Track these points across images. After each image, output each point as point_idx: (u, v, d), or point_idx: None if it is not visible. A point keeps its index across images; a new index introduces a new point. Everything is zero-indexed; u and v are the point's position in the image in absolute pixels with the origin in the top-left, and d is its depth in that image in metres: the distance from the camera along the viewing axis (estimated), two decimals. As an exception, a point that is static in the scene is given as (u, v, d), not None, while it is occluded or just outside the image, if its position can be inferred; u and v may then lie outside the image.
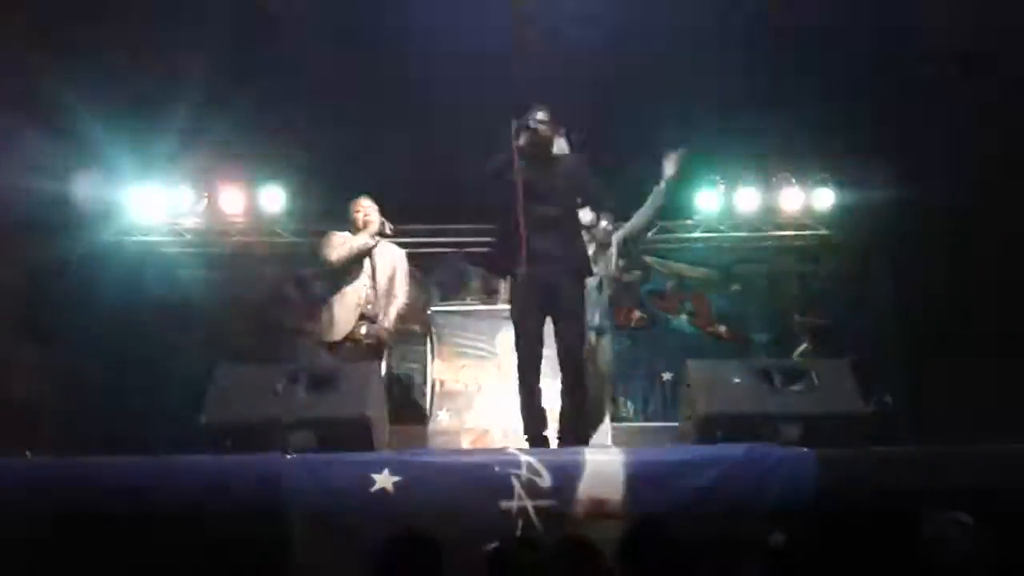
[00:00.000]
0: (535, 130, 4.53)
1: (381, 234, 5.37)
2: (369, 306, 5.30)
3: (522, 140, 4.50)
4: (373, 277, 5.35)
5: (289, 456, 3.49)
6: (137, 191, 8.07)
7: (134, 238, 8.55)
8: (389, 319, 5.37)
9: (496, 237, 4.63)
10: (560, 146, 4.77)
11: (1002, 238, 7.12)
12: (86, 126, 6.81)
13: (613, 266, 5.77)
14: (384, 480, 3.42)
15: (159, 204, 8.18)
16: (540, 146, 4.57)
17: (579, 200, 4.71)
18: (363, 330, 5.25)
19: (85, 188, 7.76)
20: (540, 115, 4.58)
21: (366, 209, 5.38)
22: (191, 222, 8.50)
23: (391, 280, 5.41)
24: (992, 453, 3.71)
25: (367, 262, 5.36)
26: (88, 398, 7.72)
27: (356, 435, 3.71)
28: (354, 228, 5.38)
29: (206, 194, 8.19)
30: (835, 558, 3.31)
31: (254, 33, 6.67)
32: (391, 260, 5.46)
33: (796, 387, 3.90)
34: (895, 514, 3.42)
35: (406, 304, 5.51)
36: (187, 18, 6.38)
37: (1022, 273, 6.81)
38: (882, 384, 7.01)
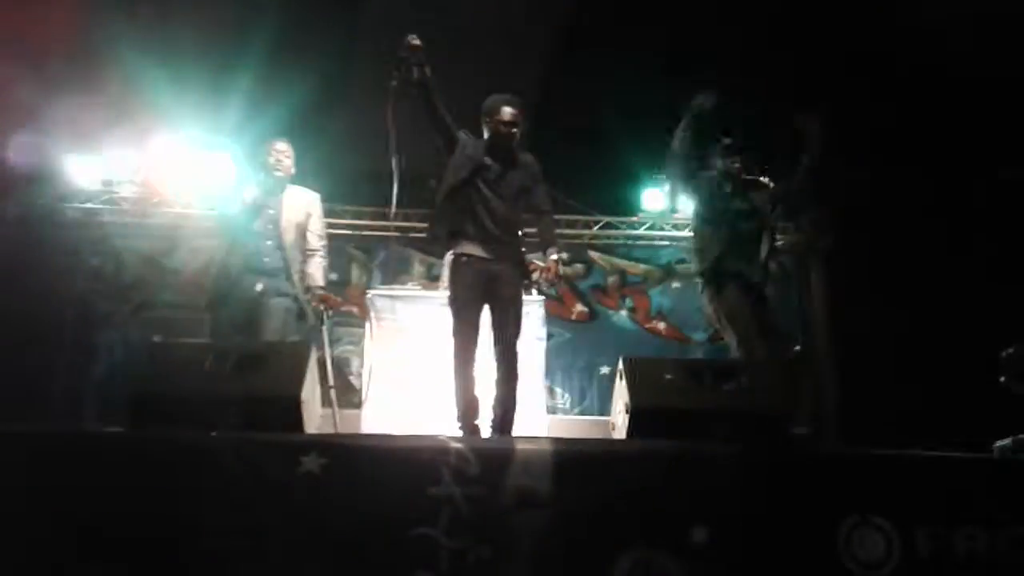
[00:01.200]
0: (507, 124, 4.53)
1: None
2: (266, 259, 4.87)
3: (488, 134, 4.54)
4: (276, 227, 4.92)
5: (214, 434, 3.43)
6: (74, 156, 7.85)
7: (72, 205, 8.34)
8: (315, 279, 5.02)
9: (433, 218, 4.62)
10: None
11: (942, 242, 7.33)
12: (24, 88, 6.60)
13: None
14: (311, 462, 3.38)
15: (96, 171, 7.96)
16: (508, 142, 4.56)
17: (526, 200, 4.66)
18: (259, 287, 4.80)
19: (21, 152, 7.54)
20: (510, 110, 4.57)
21: (280, 153, 5.03)
22: (128, 191, 8.30)
23: (301, 224, 5.01)
24: (914, 458, 3.81)
25: (265, 211, 4.93)
26: (14, 366, 7.50)
27: (285, 416, 3.65)
28: (267, 172, 5.03)
29: (143, 163, 8.00)
30: (757, 556, 3.38)
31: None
32: (303, 206, 5.08)
33: (727, 386, 3.96)
34: (814, 514, 3.51)
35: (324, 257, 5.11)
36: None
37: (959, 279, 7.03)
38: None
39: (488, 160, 4.51)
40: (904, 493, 3.58)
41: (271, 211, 4.96)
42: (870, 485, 3.60)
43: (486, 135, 4.58)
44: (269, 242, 4.90)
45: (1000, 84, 6.45)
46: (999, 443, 5.15)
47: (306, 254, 5.06)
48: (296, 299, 4.92)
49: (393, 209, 4.79)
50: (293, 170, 5.10)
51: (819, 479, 3.63)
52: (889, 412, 6.71)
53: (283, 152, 5.04)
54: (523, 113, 4.61)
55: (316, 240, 5.10)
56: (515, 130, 4.56)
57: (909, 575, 3.43)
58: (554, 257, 4.53)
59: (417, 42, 4.31)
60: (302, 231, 5.04)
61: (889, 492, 3.58)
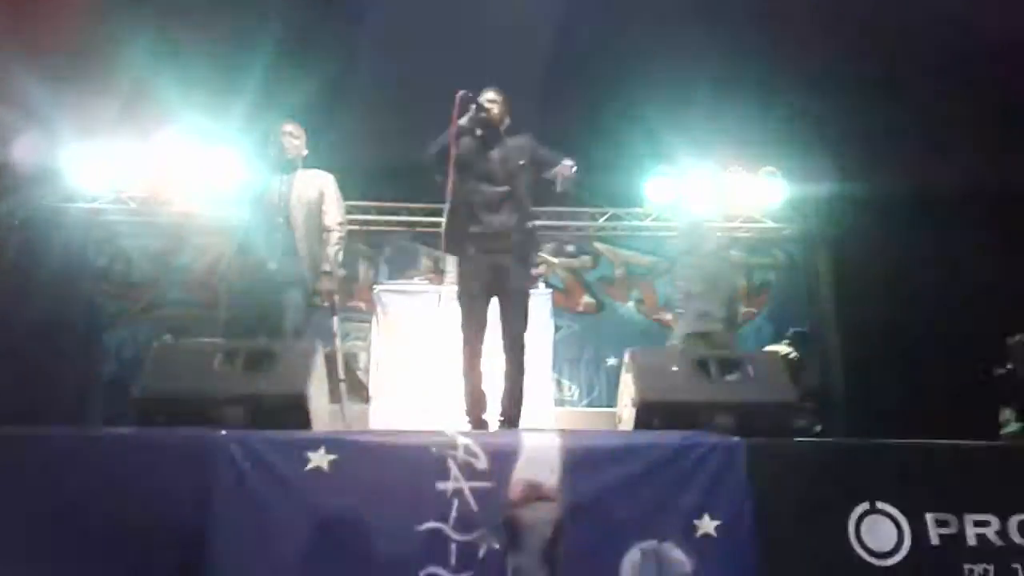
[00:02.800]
0: (486, 109, 4.51)
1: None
2: (277, 237, 4.70)
3: (469, 119, 4.48)
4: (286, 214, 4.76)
5: (223, 432, 3.44)
6: (80, 156, 7.86)
7: (78, 205, 8.36)
8: (325, 261, 4.81)
9: (448, 216, 4.60)
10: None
11: (945, 233, 7.30)
12: (28, 88, 6.61)
13: None
14: (319, 459, 3.40)
15: (103, 170, 7.98)
16: (490, 125, 4.55)
17: (538, 174, 4.61)
18: (272, 265, 4.65)
19: (26, 151, 7.56)
20: (490, 94, 4.57)
21: (288, 134, 4.86)
22: (136, 190, 8.32)
23: (315, 207, 4.83)
24: (918, 447, 3.81)
25: (274, 193, 4.78)
26: (23, 366, 7.55)
27: (292, 413, 3.67)
28: (280, 154, 4.86)
29: (149, 161, 8.00)
30: (763, 545, 3.39)
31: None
32: (315, 186, 4.88)
33: (731, 377, 3.96)
34: (823, 503, 3.51)
35: (340, 237, 4.88)
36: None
37: (963, 270, 7.00)
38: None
39: (483, 152, 4.50)
40: (913, 481, 3.58)
41: (281, 190, 4.80)
42: (879, 473, 3.61)
43: (476, 125, 4.53)
44: (280, 219, 4.75)
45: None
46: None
47: (321, 235, 4.86)
48: (304, 281, 4.77)
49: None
50: (305, 151, 4.96)
51: (827, 468, 3.63)
52: (895, 400, 6.71)
53: (291, 133, 4.89)
54: (506, 100, 4.60)
55: (331, 220, 4.89)
56: (496, 108, 4.54)
57: (920, 562, 3.44)
58: (568, 163, 4.44)
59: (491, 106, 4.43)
60: (315, 211, 4.85)
61: (898, 480, 3.58)
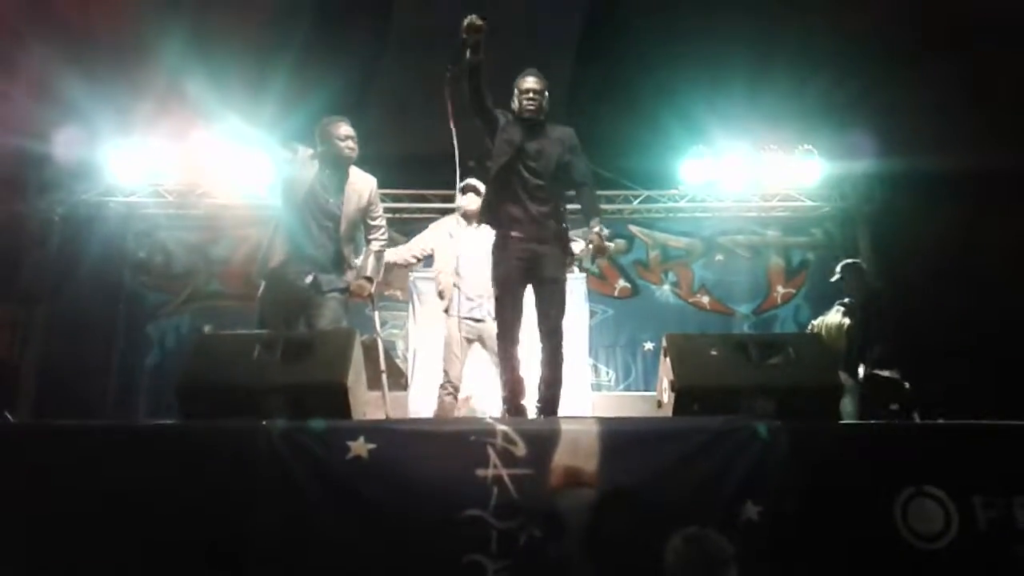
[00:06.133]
0: (529, 92, 4.50)
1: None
2: (320, 250, 4.61)
3: (518, 109, 4.51)
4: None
5: (264, 423, 3.48)
6: (118, 151, 7.97)
7: (116, 199, 8.49)
8: (366, 268, 4.73)
9: (489, 191, 4.60)
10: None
11: (986, 212, 7.14)
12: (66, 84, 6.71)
13: None
14: (359, 447, 3.42)
15: (140, 164, 8.08)
16: (535, 113, 4.53)
17: (566, 174, 4.60)
18: (308, 279, 4.55)
19: (66, 147, 7.68)
20: (532, 80, 4.55)
21: (347, 136, 4.68)
22: (172, 183, 8.42)
23: (361, 211, 4.73)
24: (964, 428, 3.74)
25: (324, 199, 4.64)
26: (67, 360, 7.70)
27: (332, 402, 3.69)
28: (337, 157, 4.69)
29: (186, 155, 8.08)
30: (807, 530, 3.35)
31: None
32: (364, 193, 4.76)
33: (772, 360, 3.90)
34: (868, 487, 3.46)
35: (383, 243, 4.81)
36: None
37: (1005, 247, 6.85)
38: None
39: (524, 140, 4.48)
40: (960, 463, 3.52)
41: (331, 199, 4.67)
42: (925, 456, 3.55)
43: (516, 111, 4.55)
44: (325, 232, 4.64)
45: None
46: None
47: (360, 235, 4.80)
48: (347, 291, 4.70)
49: (458, 184, 4.64)
50: (357, 151, 4.76)
51: (871, 451, 3.58)
52: (937, 380, 6.58)
53: (350, 135, 4.71)
54: (545, 87, 4.56)
55: (377, 223, 4.84)
56: (537, 97, 4.51)
57: (968, 546, 3.38)
58: (596, 230, 4.44)
59: (480, 22, 4.18)
60: (362, 219, 4.78)
61: (945, 462, 3.52)
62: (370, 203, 4.80)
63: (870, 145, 7.68)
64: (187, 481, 3.35)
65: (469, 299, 5.42)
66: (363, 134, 4.79)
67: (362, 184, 4.78)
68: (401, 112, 7.32)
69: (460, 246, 5.53)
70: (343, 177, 4.73)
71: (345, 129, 4.70)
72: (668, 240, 9.19)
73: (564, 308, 4.50)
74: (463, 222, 5.63)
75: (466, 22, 4.19)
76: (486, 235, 4.82)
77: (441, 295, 5.58)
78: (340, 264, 4.69)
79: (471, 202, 5.50)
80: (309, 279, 4.58)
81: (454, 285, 5.46)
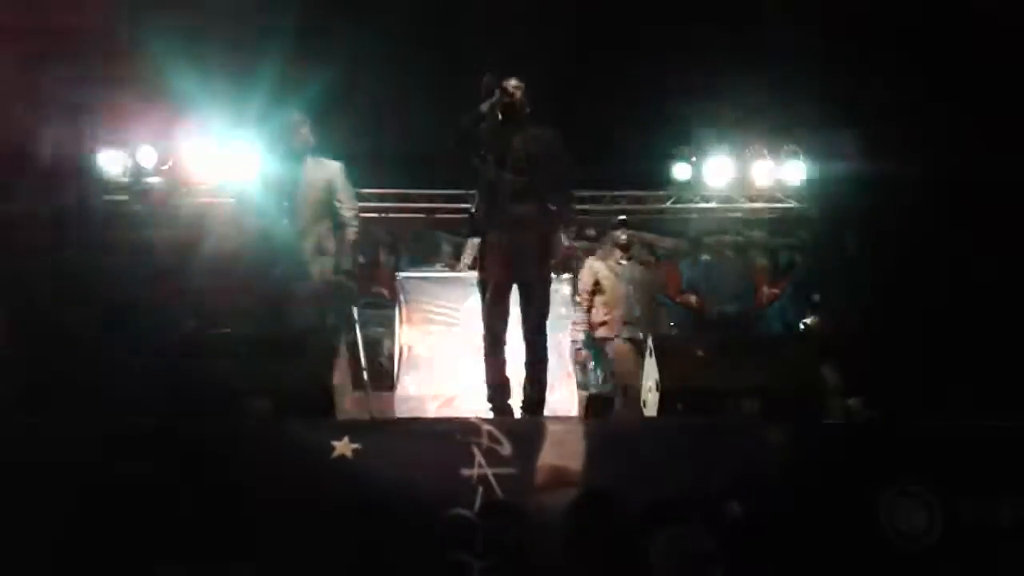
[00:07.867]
0: (510, 94, 4.49)
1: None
2: (284, 241, 4.60)
3: (491, 104, 4.45)
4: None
5: (248, 422, 3.46)
6: (101, 150, 7.93)
7: (102, 197, 8.44)
8: (342, 261, 4.70)
9: (475, 201, 4.59)
10: None
11: (973, 214, 7.18)
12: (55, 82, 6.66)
13: None
14: (343, 447, 3.41)
15: (124, 162, 8.04)
16: (514, 111, 4.52)
17: (551, 172, 4.59)
18: (276, 270, 4.57)
19: (55, 146, 7.62)
20: (514, 81, 4.54)
21: (297, 124, 4.75)
22: (156, 181, 8.38)
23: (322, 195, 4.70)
24: (955, 428, 3.75)
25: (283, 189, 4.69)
26: (52, 356, 7.63)
27: (316, 402, 3.68)
28: (286, 147, 4.77)
29: (169, 154, 8.04)
30: (791, 530, 3.36)
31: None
32: (325, 177, 4.75)
33: (757, 361, 3.92)
34: (852, 487, 3.47)
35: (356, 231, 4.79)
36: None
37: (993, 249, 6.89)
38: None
39: (507, 140, 4.46)
40: (945, 463, 3.54)
41: (288, 188, 4.70)
42: (909, 456, 3.56)
43: (499, 111, 4.48)
44: (286, 221, 4.66)
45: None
46: None
47: (328, 222, 4.77)
48: (328, 284, 4.69)
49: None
50: (312, 140, 4.80)
51: (856, 451, 3.59)
52: (923, 381, 6.61)
53: (299, 123, 4.78)
54: (523, 85, 4.54)
55: (345, 211, 4.79)
56: (518, 94, 4.49)
57: (952, 544, 3.39)
58: (565, 243, 4.45)
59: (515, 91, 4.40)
60: (326, 204, 4.76)
61: (929, 462, 3.53)
62: (336, 188, 4.77)
63: (855, 146, 7.71)
64: (171, 480, 3.32)
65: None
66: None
67: (321, 171, 4.77)
68: (391, 111, 7.31)
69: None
70: (303, 166, 4.74)
71: (295, 118, 4.79)
72: (655, 240, 9.19)
73: (548, 307, 4.49)
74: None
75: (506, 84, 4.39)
76: None
77: None
78: (303, 255, 4.67)
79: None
80: (277, 271, 4.59)
81: None
